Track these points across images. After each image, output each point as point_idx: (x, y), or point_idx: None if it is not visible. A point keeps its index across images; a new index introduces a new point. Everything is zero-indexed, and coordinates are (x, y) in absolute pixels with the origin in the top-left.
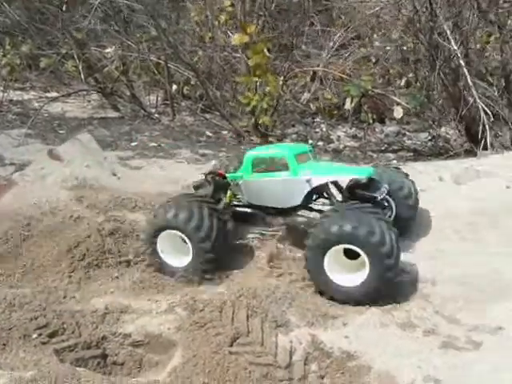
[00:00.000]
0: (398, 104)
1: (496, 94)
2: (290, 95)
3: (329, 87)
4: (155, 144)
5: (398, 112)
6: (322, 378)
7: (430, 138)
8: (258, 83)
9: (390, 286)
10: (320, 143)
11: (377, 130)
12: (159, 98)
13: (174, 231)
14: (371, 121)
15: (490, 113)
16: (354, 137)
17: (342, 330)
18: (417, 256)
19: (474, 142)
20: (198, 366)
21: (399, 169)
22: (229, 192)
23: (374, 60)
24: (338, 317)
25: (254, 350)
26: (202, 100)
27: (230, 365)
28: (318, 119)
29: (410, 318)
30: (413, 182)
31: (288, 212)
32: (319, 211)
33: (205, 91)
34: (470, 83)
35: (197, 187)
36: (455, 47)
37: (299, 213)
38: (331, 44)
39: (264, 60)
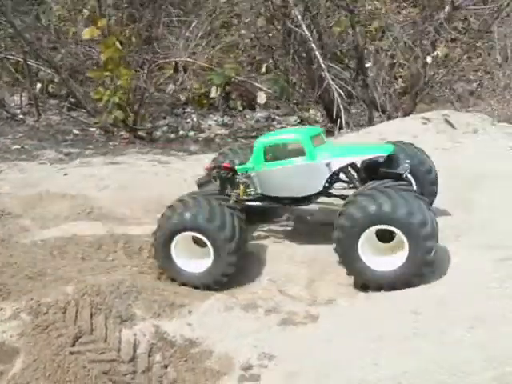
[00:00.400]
0: (261, 90)
1: (352, 75)
2: (155, 87)
3: (196, 77)
4: (18, 146)
5: (262, 97)
6: (166, 367)
7: (298, 120)
8: (110, 77)
9: (429, 269)
10: (191, 133)
11: (247, 116)
12: (23, 98)
13: (193, 233)
14: (241, 108)
15: (342, 93)
16: (225, 125)
17: (187, 318)
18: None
19: (333, 123)
20: (39, 371)
21: (413, 145)
22: (241, 186)
23: (242, 48)
24: (184, 305)
25: (97, 347)
26: (69, 98)
27: (70, 365)
28: (188, 109)
29: (255, 299)
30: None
31: (306, 200)
32: (340, 196)
33: (68, 88)
34: (323, 66)
35: (201, 184)
36: (306, 32)
37: (318, 200)
38: (194, 34)
39: (116, 54)
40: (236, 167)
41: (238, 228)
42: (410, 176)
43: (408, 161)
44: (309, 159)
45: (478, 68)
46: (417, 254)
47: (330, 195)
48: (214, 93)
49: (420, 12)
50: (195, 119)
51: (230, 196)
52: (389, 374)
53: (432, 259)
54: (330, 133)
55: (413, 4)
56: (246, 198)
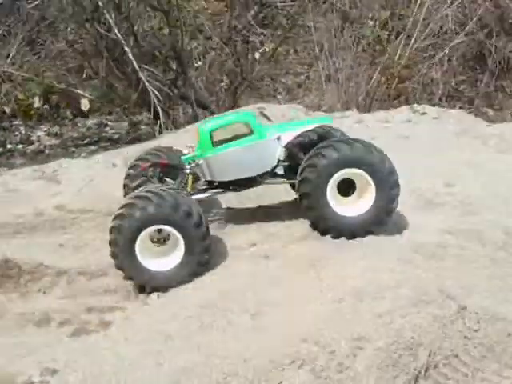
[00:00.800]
0: (84, 96)
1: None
2: None
3: (21, 87)
4: None
5: (84, 104)
6: None
7: (129, 125)
8: None
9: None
10: (20, 146)
11: (79, 124)
12: None
13: (160, 226)
14: (71, 116)
15: (158, 95)
16: (55, 134)
17: None
18: None
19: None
20: None
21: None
22: (190, 178)
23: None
24: None
25: None
26: None
27: None
28: (16, 122)
29: (49, 313)
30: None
31: (256, 182)
32: (281, 176)
33: None
34: (138, 68)
35: (138, 186)
36: (118, 35)
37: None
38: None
39: None
40: (183, 158)
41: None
42: None
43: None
44: (258, 137)
45: (304, 62)
46: (382, 201)
47: (275, 175)
48: (37, 103)
49: (229, 10)
50: (23, 131)
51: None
52: (169, 371)
53: (394, 207)
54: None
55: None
56: (198, 189)
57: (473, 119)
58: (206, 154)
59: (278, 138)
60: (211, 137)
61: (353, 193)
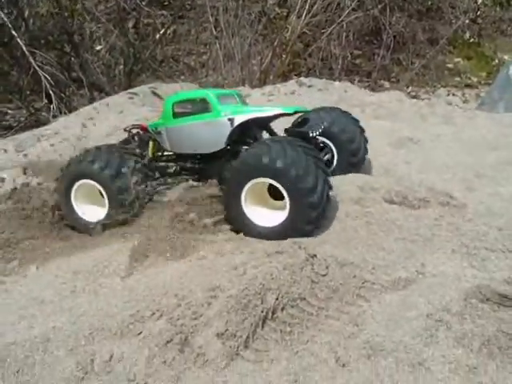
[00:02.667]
0: None
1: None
2: None
3: None
4: None
5: None
6: None
7: (28, 113)
8: None
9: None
10: None
11: None
12: None
13: (89, 181)
14: None
15: (50, 79)
16: None
17: None
18: None
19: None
20: None
21: (339, 111)
22: (151, 143)
23: None
24: None
25: None
26: None
27: None
28: None
29: None
30: (361, 128)
31: (214, 159)
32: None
33: None
34: (27, 53)
35: (126, 142)
36: (5, 19)
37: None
38: None
39: None
40: (148, 123)
41: (136, 180)
42: (326, 141)
43: (323, 125)
44: (214, 116)
45: (206, 42)
46: (297, 210)
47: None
48: None
49: None
50: None
51: (144, 156)
52: (39, 332)
53: (315, 216)
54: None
55: None
56: (158, 155)
57: (357, 90)
58: (167, 123)
59: (230, 119)
60: (173, 108)
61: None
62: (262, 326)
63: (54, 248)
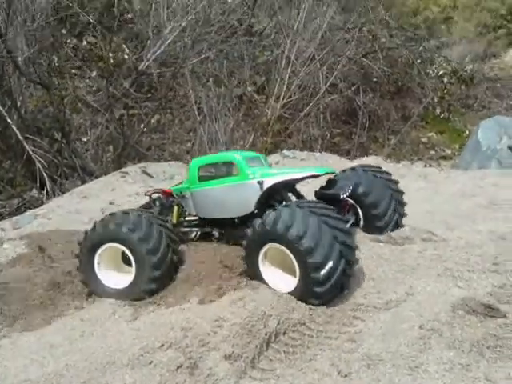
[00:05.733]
0: None
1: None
2: None
3: None
4: None
5: None
6: None
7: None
8: None
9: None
10: None
11: None
12: None
13: (116, 244)
14: None
15: (44, 162)
16: None
17: None
18: None
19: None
20: None
21: (383, 173)
22: (175, 208)
23: None
24: None
25: None
26: None
27: None
28: None
29: None
30: (396, 190)
31: (241, 223)
32: None
33: None
34: (21, 138)
35: (146, 207)
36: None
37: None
38: None
39: None
40: (172, 187)
41: (165, 242)
42: (353, 203)
43: (350, 186)
44: (242, 179)
45: (190, 129)
46: (304, 281)
47: None
48: None
49: (104, 78)
50: None
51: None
52: (52, 370)
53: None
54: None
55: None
56: (182, 220)
57: (337, 159)
58: (192, 187)
59: (260, 183)
60: (198, 172)
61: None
62: (267, 348)
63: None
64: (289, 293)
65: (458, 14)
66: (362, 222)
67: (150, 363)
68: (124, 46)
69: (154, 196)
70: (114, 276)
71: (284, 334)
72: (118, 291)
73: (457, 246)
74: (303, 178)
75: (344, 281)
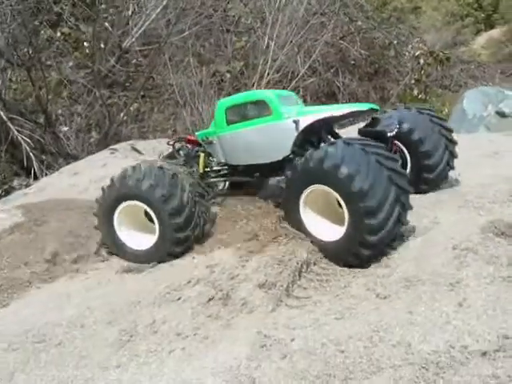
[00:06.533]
0: None
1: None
2: None
3: None
4: None
5: None
6: None
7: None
8: None
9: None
10: None
11: None
12: None
13: (136, 202)
14: None
15: (31, 142)
16: None
17: None
18: None
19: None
20: None
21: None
22: (201, 156)
23: None
24: None
25: None
26: None
27: None
28: None
29: None
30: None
31: (274, 170)
32: None
33: None
34: (5, 118)
35: (170, 157)
36: None
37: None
38: None
39: None
40: (197, 133)
41: (191, 202)
42: (399, 144)
43: (396, 124)
44: (275, 119)
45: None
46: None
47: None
48: None
49: (90, 58)
50: None
51: (193, 172)
52: (73, 313)
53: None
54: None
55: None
56: (209, 170)
57: None
58: (220, 132)
59: (295, 122)
60: (226, 114)
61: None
62: (299, 278)
63: None
64: (334, 242)
65: (425, 4)
66: (409, 168)
67: (179, 299)
68: (106, 24)
69: (178, 145)
70: (137, 236)
71: (314, 264)
72: (140, 253)
73: (471, 185)
74: (344, 116)
75: (397, 229)
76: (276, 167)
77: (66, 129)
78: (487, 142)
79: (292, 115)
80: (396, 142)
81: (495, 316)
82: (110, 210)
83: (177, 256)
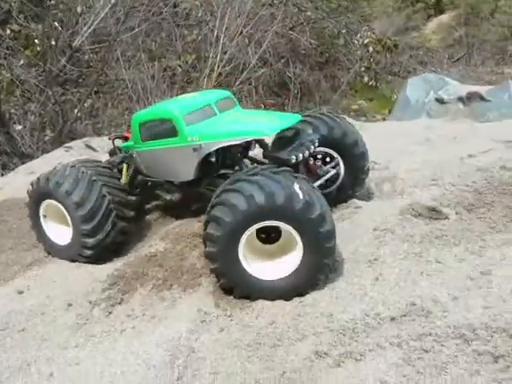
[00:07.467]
0: None
1: None
2: None
3: None
4: None
5: None
6: None
7: None
8: None
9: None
10: None
11: None
12: None
13: (56, 202)
14: None
15: None
16: None
17: None
18: None
19: None
20: None
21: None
22: (124, 167)
23: None
24: None
25: None
26: None
27: None
28: None
29: None
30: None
31: (194, 185)
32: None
33: None
34: None
35: (111, 154)
36: None
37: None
38: None
39: None
40: (121, 144)
41: (106, 210)
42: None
43: (315, 140)
44: (179, 142)
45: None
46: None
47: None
48: None
49: (42, 57)
50: None
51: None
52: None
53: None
54: None
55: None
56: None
57: None
58: (137, 147)
59: (195, 149)
60: (140, 130)
61: None
62: None
63: None
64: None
65: None
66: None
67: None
68: (56, 23)
69: (117, 142)
70: (59, 231)
71: None
72: (61, 248)
73: (398, 171)
74: (248, 143)
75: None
76: (194, 184)
77: (19, 127)
78: (423, 128)
79: (195, 139)
80: (327, 150)
81: (406, 287)
82: (36, 204)
83: (89, 258)
